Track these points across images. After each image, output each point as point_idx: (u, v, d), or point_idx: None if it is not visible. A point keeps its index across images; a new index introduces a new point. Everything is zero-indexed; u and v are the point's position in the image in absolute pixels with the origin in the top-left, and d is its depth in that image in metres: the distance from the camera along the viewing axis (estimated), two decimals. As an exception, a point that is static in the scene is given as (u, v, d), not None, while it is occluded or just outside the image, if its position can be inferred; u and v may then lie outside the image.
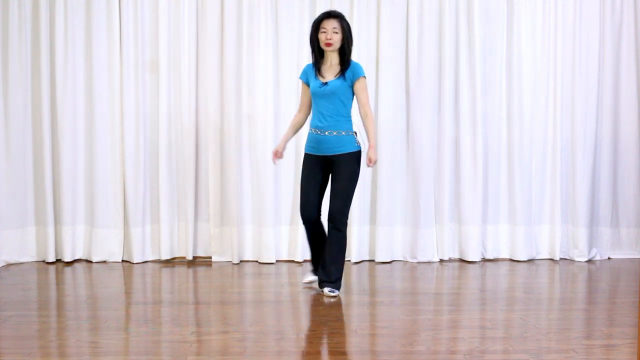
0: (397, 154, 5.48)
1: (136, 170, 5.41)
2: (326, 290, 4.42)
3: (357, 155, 4.40)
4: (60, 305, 4.31)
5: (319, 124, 4.38)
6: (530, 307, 4.20)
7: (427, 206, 5.49)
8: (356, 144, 4.39)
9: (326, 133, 4.36)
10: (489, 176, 5.58)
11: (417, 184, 5.48)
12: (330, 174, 4.47)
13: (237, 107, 5.43)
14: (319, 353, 3.41)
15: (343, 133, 4.36)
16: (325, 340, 3.60)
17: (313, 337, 3.66)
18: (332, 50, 4.38)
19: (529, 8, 5.52)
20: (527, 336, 3.63)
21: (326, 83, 4.36)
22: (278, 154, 4.59)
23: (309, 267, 4.87)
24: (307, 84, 4.49)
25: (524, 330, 3.74)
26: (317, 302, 4.36)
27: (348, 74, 4.36)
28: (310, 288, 4.65)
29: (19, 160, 5.36)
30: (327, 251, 4.41)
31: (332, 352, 3.42)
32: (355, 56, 5.38)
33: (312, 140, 4.45)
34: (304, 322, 3.99)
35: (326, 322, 3.92)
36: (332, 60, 4.42)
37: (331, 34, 4.34)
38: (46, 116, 5.33)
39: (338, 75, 4.37)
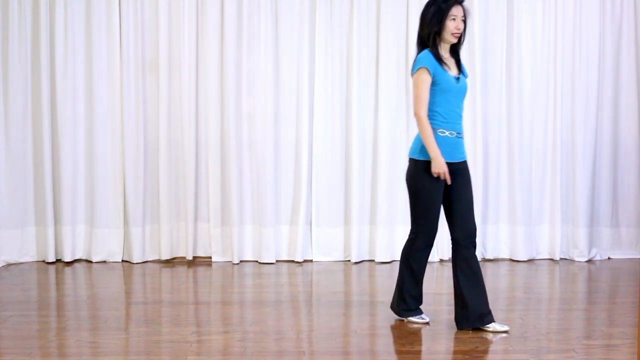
0: (397, 154, 5.47)
1: (136, 170, 5.41)
2: (497, 326, 3.71)
3: None
4: (60, 305, 4.31)
5: (458, 125, 3.75)
6: (530, 307, 4.20)
7: (427, 206, 5.48)
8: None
9: (461, 136, 3.78)
10: (489, 176, 5.58)
11: (417, 184, 5.48)
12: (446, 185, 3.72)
13: (237, 107, 5.43)
14: (319, 353, 3.41)
15: (463, 136, 3.83)
16: (325, 340, 3.60)
17: (313, 337, 3.66)
18: (455, 41, 3.75)
19: (529, 8, 5.51)
20: (527, 336, 3.63)
21: (458, 78, 3.75)
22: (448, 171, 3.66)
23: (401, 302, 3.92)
24: (433, 76, 3.68)
25: (524, 330, 3.74)
26: (317, 302, 4.36)
27: (464, 70, 3.85)
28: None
29: (19, 161, 5.36)
30: (477, 278, 3.69)
31: (332, 352, 3.41)
32: (355, 56, 5.42)
33: (448, 144, 3.68)
34: (304, 322, 3.99)
35: (326, 322, 3.92)
36: (445, 53, 3.77)
37: (460, 23, 3.71)
38: (46, 116, 5.33)
39: (460, 71, 3.79)
